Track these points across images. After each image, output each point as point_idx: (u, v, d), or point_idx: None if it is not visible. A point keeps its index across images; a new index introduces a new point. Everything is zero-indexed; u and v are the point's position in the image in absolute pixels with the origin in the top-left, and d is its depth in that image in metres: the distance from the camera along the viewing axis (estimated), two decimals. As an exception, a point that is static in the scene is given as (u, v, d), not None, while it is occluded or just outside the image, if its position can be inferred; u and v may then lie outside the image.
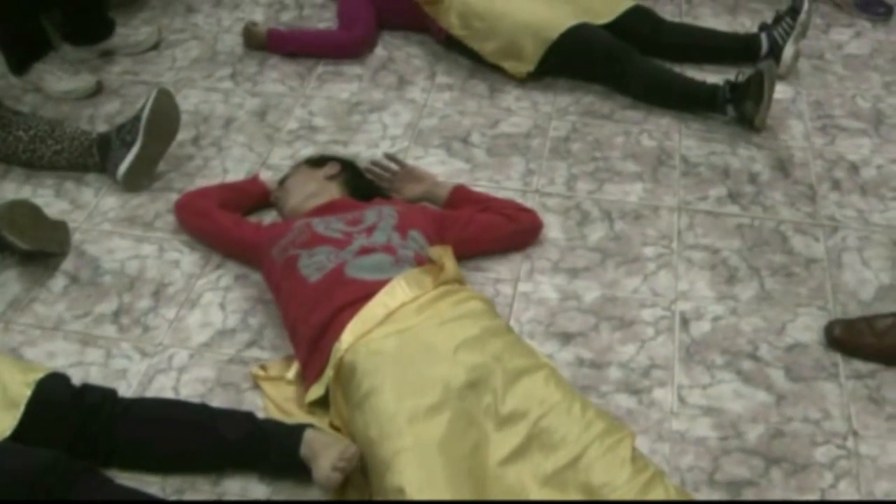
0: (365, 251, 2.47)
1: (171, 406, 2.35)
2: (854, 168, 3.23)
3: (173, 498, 2.20)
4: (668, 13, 3.89)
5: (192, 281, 2.77)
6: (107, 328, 2.63)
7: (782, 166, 3.22)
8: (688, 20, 3.96)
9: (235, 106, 3.48)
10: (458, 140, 3.32)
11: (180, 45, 3.82)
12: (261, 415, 2.33)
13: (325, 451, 2.14)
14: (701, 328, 2.64)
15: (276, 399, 2.40)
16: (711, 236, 2.93)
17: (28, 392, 2.16)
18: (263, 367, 2.49)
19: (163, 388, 2.46)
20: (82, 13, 3.66)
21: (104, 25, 3.71)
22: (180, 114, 3.12)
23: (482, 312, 2.34)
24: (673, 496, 2.03)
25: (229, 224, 2.80)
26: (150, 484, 2.21)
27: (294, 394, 2.41)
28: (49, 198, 3.05)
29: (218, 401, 2.41)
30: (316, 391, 2.30)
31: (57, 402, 2.19)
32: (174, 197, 3.00)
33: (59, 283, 2.76)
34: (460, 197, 2.93)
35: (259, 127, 3.38)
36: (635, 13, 3.66)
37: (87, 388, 2.26)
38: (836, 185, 3.15)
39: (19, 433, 2.10)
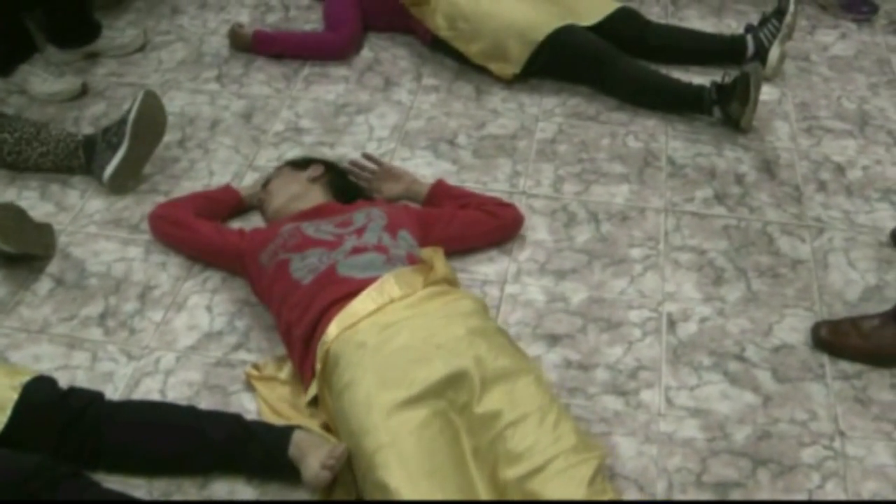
0: (356, 251, 2.47)
1: (158, 408, 2.34)
2: (840, 169, 3.24)
3: (160, 501, 2.19)
4: (653, 15, 3.90)
5: (179, 283, 2.76)
6: (93, 331, 2.62)
7: (768, 167, 3.23)
8: (674, 22, 3.97)
9: (221, 108, 3.47)
10: (445, 142, 3.32)
11: (166, 47, 3.81)
12: (249, 417, 2.32)
13: (314, 451, 2.14)
14: (688, 329, 2.65)
15: (269, 399, 2.40)
16: (698, 237, 2.94)
17: (14, 395, 2.15)
18: (256, 367, 2.48)
19: (149, 390, 2.46)
20: (67, 15, 3.65)
21: (90, 28, 3.70)
22: (166, 116, 3.11)
23: (471, 313, 2.34)
24: None
25: (210, 232, 2.78)
26: (137, 487, 2.20)
27: (287, 394, 2.41)
28: (34, 200, 3.03)
29: (205, 403, 2.41)
30: (314, 389, 2.29)
31: (43, 405, 2.18)
32: (160, 199, 2.99)
33: (44, 285, 2.75)
34: (440, 193, 2.93)
35: (245, 129, 3.37)
36: (621, 15, 3.66)
37: (73, 392, 2.26)
38: (821, 186, 3.16)
39: (5, 437, 2.10)
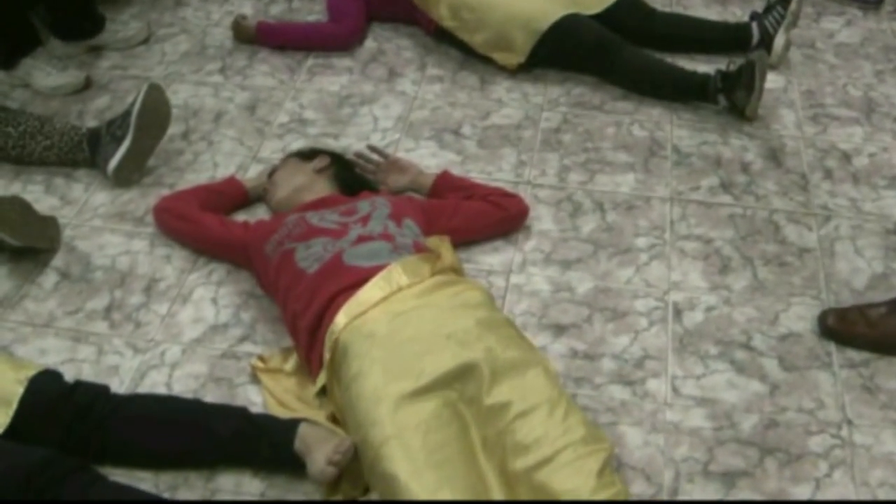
0: (362, 239, 2.46)
1: (164, 402, 2.34)
2: (846, 157, 3.22)
3: (166, 494, 2.19)
4: (658, 3, 3.88)
5: (184, 276, 2.76)
6: (98, 324, 2.62)
7: (774, 156, 3.22)
8: (678, 10, 3.96)
9: (225, 100, 3.47)
10: (449, 132, 3.31)
11: (169, 40, 3.81)
12: (255, 409, 2.32)
13: (320, 446, 2.13)
14: (694, 318, 2.64)
15: (275, 391, 2.40)
16: (704, 226, 2.93)
17: (20, 389, 2.16)
18: (262, 359, 2.48)
19: (155, 384, 2.46)
20: (72, 9, 3.64)
21: (94, 21, 3.69)
22: (170, 108, 3.10)
23: (480, 304, 2.33)
24: None
25: (216, 225, 2.78)
26: (143, 480, 2.20)
27: (293, 386, 2.41)
28: (39, 194, 3.03)
29: (211, 396, 2.41)
30: (322, 379, 2.28)
31: (49, 399, 2.18)
32: (165, 192, 2.99)
33: (49, 279, 2.75)
34: (445, 184, 2.93)
35: (249, 121, 3.37)
36: (625, 3, 3.64)
37: (79, 385, 2.25)
38: (828, 173, 3.15)
39: (12, 430, 2.10)
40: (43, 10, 3.66)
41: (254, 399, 2.41)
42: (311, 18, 3.93)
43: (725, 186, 3.08)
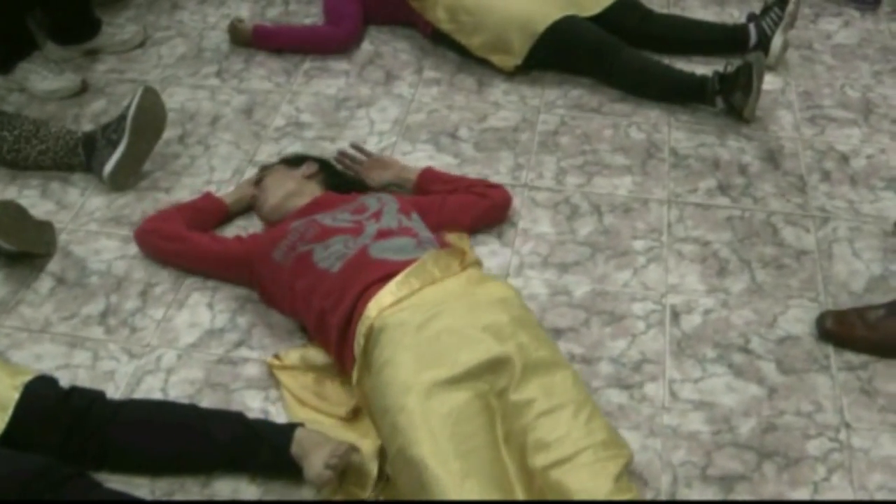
0: (382, 234, 2.46)
1: (161, 407, 2.33)
2: (844, 158, 3.22)
3: (163, 500, 2.19)
4: (655, 4, 3.87)
5: (180, 281, 2.75)
6: (94, 330, 2.61)
7: (772, 157, 3.21)
8: (676, 11, 3.95)
9: (222, 103, 3.46)
10: (446, 135, 3.30)
11: (166, 43, 3.80)
12: (251, 414, 2.32)
13: (317, 450, 2.13)
14: (692, 321, 2.63)
15: (293, 388, 2.40)
16: (701, 229, 2.93)
17: (16, 395, 2.15)
18: (278, 357, 2.48)
19: (151, 389, 2.45)
20: (68, 12, 3.64)
21: (90, 24, 3.69)
22: (166, 112, 3.10)
23: (512, 301, 2.33)
24: None
25: (208, 242, 2.75)
26: (139, 486, 2.20)
27: (311, 382, 2.42)
28: (34, 198, 3.03)
29: (207, 401, 2.40)
30: (357, 368, 2.26)
31: (45, 405, 2.18)
32: (161, 196, 2.98)
33: (45, 284, 2.74)
34: (429, 179, 2.93)
35: (246, 124, 3.36)
36: (622, 5, 3.64)
37: (75, 391, 2.25)
38: (826, 175, 3.14)
39: (7, 437, 2.10)
40: (39, 14, 3.67)
41: (250, 404, 2.40)
42: (308, 21, 3.93)
43: (723, 188, 3.08)
